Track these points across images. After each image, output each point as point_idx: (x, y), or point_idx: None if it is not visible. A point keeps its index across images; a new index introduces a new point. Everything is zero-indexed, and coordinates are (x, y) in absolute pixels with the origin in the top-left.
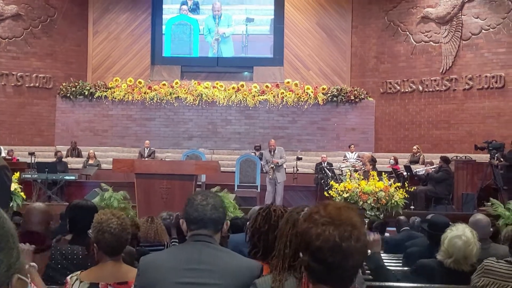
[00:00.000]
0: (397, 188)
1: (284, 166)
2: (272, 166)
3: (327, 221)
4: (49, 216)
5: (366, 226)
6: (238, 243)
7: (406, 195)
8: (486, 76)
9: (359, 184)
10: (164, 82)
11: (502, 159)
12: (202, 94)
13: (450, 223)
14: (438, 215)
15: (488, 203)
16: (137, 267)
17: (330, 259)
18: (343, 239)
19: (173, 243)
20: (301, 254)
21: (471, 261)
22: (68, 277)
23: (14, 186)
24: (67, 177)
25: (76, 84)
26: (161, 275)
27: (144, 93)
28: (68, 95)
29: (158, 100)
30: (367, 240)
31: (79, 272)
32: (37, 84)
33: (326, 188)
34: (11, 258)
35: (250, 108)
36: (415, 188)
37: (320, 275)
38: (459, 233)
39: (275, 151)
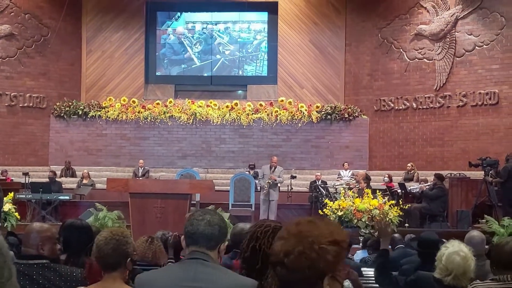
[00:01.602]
0: (391, 206)
1: (280, 185)
2: (269, 181)
3: (280, 237)
4: (52, 236)
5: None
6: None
7: (401, 213)
8: (480, 93)
9: (353, 202)
10: (158, 101)
11: (496, 176)
12: (196, 113)
13: (442, 240)
14: (427, 233)
15: (483, 220)
16: (133, 285)
17: (279, 273)
18: (286, 254)
19: (168, 263)
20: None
21: (470, 276)
22: None
23: (8, 206)
24: (61, 197)
25: (70, 103)
26: None
27: (138, 112)
28: (62, 114)
29: (152, 119)
30: (319, 253)
31: None
32: (30, 104)
33: (321, 206)
34: (2, 277)
35: (244, 127)
36: (410, 205)
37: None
38: (456, 249)
39: (276, 169)
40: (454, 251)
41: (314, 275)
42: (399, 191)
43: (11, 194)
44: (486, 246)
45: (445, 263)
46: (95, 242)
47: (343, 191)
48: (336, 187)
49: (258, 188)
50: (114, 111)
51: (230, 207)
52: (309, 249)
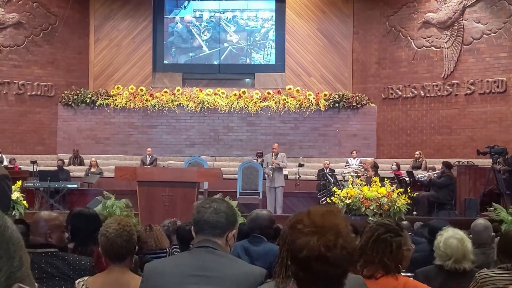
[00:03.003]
0: (399, 194)
1: (285, 172)
2: (272, 166)
3: (311, 231)
4: (61, 224)
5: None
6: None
7: (409, 201)
8: (487, 81)
9: (361, 190)
10: (165, 89)
11: (504, 164)
12: (203, 101)
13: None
14: (438, 220)
15: (491, 208)
16: (142, 274)
17: (317, 268)
18: (328, 249)
19: (173, 249)
20: (289, 263)
21: (469, 257)
22: (76, 282)
23: (16, 194)
24: (69, 186)
25: (78, 92)
26: (165, 281)
27: (146, 100)
28: (70, 103)
29: (160, 108)
30: (354, 246)
31: (86, 277)
32: (38, 92)
33: (329, 194)
34: (11, 266)
35: (252, 115)
36: (418, 193)
37: (308, 283)
38: (451, 234)
39: (278, 156)
40: (449, 235)
41: (348, 268)
42: (407, 179)
43: (19, 183)
44: (493, 234)
45: (444, 249)
46: (104, 234)
47: (351, 179)
48: (344, 175)
49: (264, 173)
50: (122, 99)
51: (238, 195)
52: (348, 242)
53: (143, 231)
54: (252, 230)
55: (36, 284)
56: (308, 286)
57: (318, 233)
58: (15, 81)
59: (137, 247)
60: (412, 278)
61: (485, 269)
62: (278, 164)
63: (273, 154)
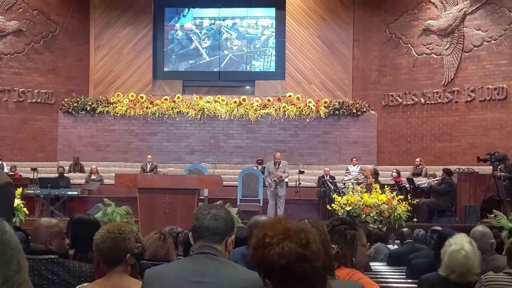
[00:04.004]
0: (399, 201)
1: (286, 180)
2: (275, 179)
3: (281, 238)
4: (61, 231)
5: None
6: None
7: (409, 208)
8: (488, 88)
9: (361, 197)
10: (166, 96)
11: (504, 171)
12: (204, 109)
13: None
14: (448, 229)
15: (491, 215)
16: (142, 280)
17: (299, 269)
18: (303, 247)
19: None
20: (266, 280)
21: (475, 272)
22: None
23: (17, 201)
24: (69, 193)
25: (78, 99)
26: (165, 287)
27: (146, 108)
28: (70, 110)
29: (160, 115)
30: (319, 239)
31: (86, 284)
32: (39, 100)
33: (329, 201)
34: (8, 270)
35: (252, 122)
36: (418, 200)
37: None
38: (458, 247)
39: (280, 165)
40: (455, 249)
41: (324, 259)
42: (407, 186)
43: (19, 190)
44: (493, 241)
45: (448, 262)
46: (94, 241)
47: (352, 186)
48: (345, 182)
49: (266, 182)
50: (122, 106)
51: (238, 202)
52: (314, 236)
53: (157, 239)
54: (252, 236)
55: None
56: None
57: (288, 237)
58: (15, 89)
59: (139, 251)
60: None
61: (491, 272)
62: (281, 177)
63: (275, 163)
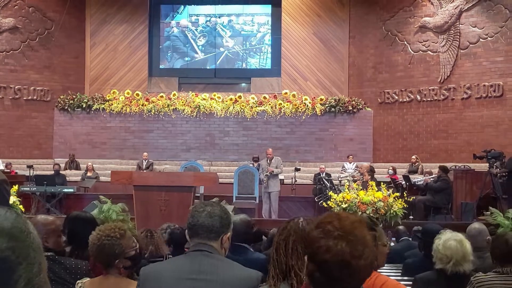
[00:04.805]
0: (395, 198)
1: (281, 177)
2: (267, 174)
3: (340, 235)
4: (57, 228)
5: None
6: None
7: (405, 205)
8: (484, 85)
9: (357, 195)
10: (161, 94)
11: (501, 168)
12: (199, 106)
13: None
14: (431, 224)
15: (487, 212)
16: (137, 278)
17: (337, 274)
18: (354, 257)
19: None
20: (306, 259)
21: (469, 258)
22: (76, 283)
23: (12, 199)
24: (65, 190)
25: (74, 96)
26: (161, 285)
27: (142, 105)
28: (66, 107)
29: (155, 112)
30: (374, 261)
31: (85, 279)
32: (35, 97)
33: (325, 198)
34: (30, 273)
35: (248, 120)
36: (414, 198)
37: (322, 286)
38: (450, 236)
39: (272, 161)
40: (448, 237)
41: (365, 279)
42: (403, 183)
43: (15, 187)
44: (489, 238)
45: (443, 251)
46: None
47: (347, 184)
48: (340, 179)
49: (260, 179)
50: (118, 104)
51: (234, 200)
52: (372, 256)
53: (144, 237)
54: (231, 239)
55: None
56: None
57: (347, 240)
58: (11, 86)
59: (137, 251)
60: (406, 284)
61: (481, 272)
62: (273, 172)
63: (267, 159)
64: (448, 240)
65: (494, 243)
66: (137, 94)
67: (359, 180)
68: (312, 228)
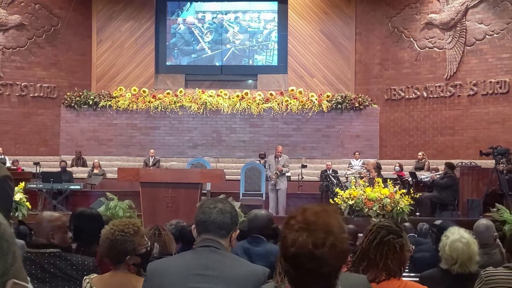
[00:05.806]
0: (402, 194)
1: (288, 173)
2: (276, 172)
3: (301, 227)
4: (63, 225)
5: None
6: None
7: (412, 202)
8: (490, 82)
9: (364, 191)
10: (168, 90)
11: (507, 165)
12: (206, 103)
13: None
14: (447, 221)
15: (494, 209)
16: (144, 274)
17: (307, 265)
18: (317, 246)
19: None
20: (281, 259)
21: (476, 260)
22: (83, 279)
23: (19, 196)
24: (72, 187)
25: (81, 93)
26: (168, 280)
27: (149, 102)
28: (73, 104)
29: (162, 109)
30: (344, 246)
31: (93, 275)
32: (41, 94)
33: (331, 195)
34: (6, 263)
35: (255, 116)
36: (421, 194)
37: (298, 281)
38: (457, 237)
39: (280, 158)
40: (455, 239)
41: (339, 267)
42: (410, 180)
43: (22, 184)
44: (496, 234)
45: (449, 252)
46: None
47: (354, 180)
48: (347, 176)
49: (267, 176)
50: (125, 101)
51: (241, 196)
52: (339, 241)
53: (152, 235)
54: (251, 230)
55: (28, 278)
56: (298, 284)
57: (308, 230)
58: (17, 83)
59: (148, 249)
60: (412, 280)
61: (491, 267)
62: (282, 171)
63: (276, 156)
64: (455, 242)
65: (510, 239)
66: (144, 91)
67: (365, 176)
68: (282, 227)
